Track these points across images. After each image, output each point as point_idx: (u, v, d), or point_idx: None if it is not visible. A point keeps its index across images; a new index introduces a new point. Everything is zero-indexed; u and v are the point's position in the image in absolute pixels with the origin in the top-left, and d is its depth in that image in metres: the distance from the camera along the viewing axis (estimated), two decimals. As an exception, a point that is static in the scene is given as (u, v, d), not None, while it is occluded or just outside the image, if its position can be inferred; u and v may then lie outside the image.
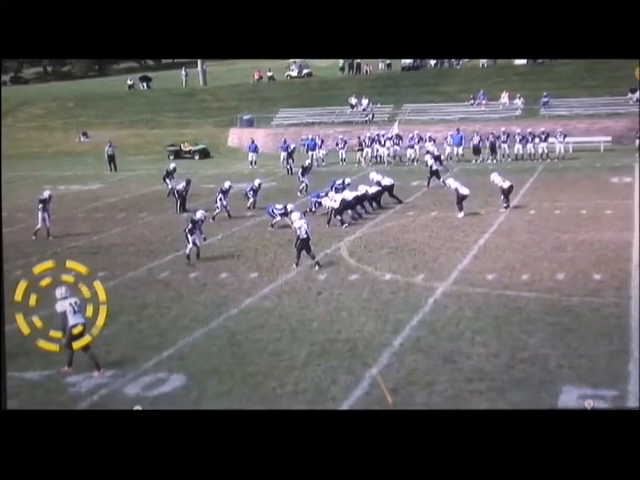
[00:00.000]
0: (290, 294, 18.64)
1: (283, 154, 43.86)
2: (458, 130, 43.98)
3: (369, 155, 44.20)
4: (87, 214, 31.40)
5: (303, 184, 33.78)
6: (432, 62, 65.71)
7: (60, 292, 14.76)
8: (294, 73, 69.26)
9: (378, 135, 44.95)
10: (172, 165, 36.36)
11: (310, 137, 45.91)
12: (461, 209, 26.88)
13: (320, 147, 44.89)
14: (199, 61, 68.25)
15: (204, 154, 51.08)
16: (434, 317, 16.51)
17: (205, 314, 17.41)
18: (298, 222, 21.27)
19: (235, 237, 25.56)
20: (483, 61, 62.42)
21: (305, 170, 34.48)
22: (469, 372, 13.52)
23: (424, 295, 18.03)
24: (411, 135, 43.81)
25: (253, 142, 45.60)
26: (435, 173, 34.13)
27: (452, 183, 27.77)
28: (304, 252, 20.89)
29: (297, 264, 20.88)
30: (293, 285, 19.41)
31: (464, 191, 27.09)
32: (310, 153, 44.38)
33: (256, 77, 67.84)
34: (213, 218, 27.25)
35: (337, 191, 27.86)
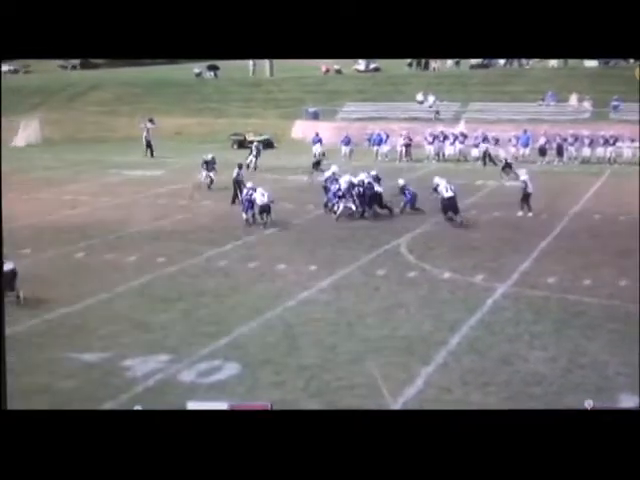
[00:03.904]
0: (348, 288, 18.60)
1: (344, 148, 44.05)
2: (525, 131, 43.59)
3: (432, 152, 44.01)
4: (150, 200, 31.66)
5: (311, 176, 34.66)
6: (501, 61, 65.09)
7: None
8: (361, 67, 69.07)
9: (443, 132, 44.78)
10: (210, 155, 34.84)
11: (377, 132, 45.79)
12: (522, 207, 26.71)
13: (385, 142, 44.74)
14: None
15: (268, 145, 51.15)
16: (492, 318, 16.35)
17: (262, 304, 17.44)
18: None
19: (296, 229, 25.59)
20: (553, 62, 61.63)
21: (315, 165, 35.05)
22: (526, 375, 13.38)
23: (483, 295, 17.87)
24: (476, 134, 43.53)
25: (317, 135, 45.54)
26: (508, 165, 34.25)
27: (523, 175, 27.48)
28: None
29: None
30: (351, 279, 19.37)
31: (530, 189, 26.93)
32: (375, 148, 44.40)
33: (323, 70, 67.80)
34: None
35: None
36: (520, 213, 26.78)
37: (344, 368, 13.75)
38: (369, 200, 27.06)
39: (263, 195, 26.07)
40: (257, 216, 26.05)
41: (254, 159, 37.63)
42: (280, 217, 26.90)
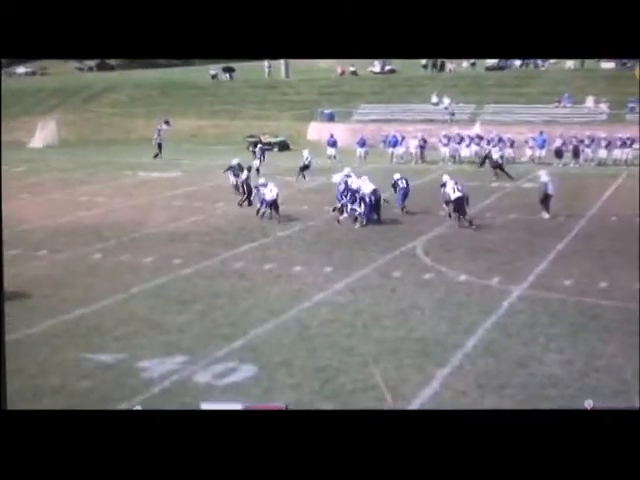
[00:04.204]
0: (364, 290, 18.58)
1: (359, 150, 44.07)
2: (541, 132, 43.51)
3: (447, 154, 43.98)
4: (166, 201, 31.71)
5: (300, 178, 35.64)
6: (517, 63, 64.95)
7: None
8: (377, 69, 69.02)
9: (459, 134, 44.78)
10: (235, 160, 33.72)
11: (392, 134, 45.74)
12: (543, 209, 26.57)
13: (400, 144, 44.69)
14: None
15: (283, 146, 51.15)
16: (508, 320, 16.30)
17: (278, 306, 17.44)
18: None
19: (311, 230, 25.59)
20: (569, 63, 61.53)
21: (304, 168, 35.29)
22: (542, 378, 13.33)
23: (499, 298, 17.83)
24: (491, 136, 43.50)
25: (332, 137, 45.63)
26: (499, 166, 36.61)
27: (544, 177, 27.30)
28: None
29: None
30: (367, 281, 19.35)
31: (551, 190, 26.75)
32: (390, 150, 44.37)
33: (339, 72, 67.82)
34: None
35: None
36: (545, 215, 26.55)
37: (360, 370, 13.72)
38: (376, 206, 26.88)
39: (271, 191, 27.24)
40: (267, 211, 27.15)
41: (258, 162, 37.53)
42: (295, 219, 26.93)
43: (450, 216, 26.08)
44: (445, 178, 26.90)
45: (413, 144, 44.29)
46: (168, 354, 14.61)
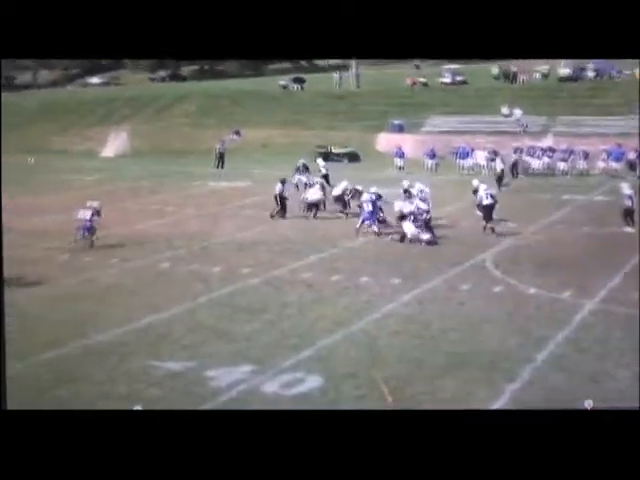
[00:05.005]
0: (432, 302, 18.43)
1: (429, 161, 43.86)
2: (619, 145, 42.75)
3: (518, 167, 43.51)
4: (234, 211, 31.89)
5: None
6: (590, 74, 64.03)
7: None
8: (447, 80, 68.70)
9: (533, 147, 44.31)
10: (297, 177, 34.15)
11: (462, 146, 45.41)
12: (627, 222, 26.11)
13: (470, 156, 44.31)
14: (353, 63, 68.84)
15: (353, 157, 50.95)
16: (580, 335, 16.03)
17: (345, 317, 17.39)
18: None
19: (377, 243, 25.49)
20: (644, 73, 60.60)
21: (325, 178, 35.26)
22: (614, 394, 13.04)
23: (570, 312, 17.53)
24: (564, 147, 42.98)
25: (400, 148, 45.57)
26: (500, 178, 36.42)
27: (627, 189, 26.88)
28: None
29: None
30: (435, 293, 19.20)
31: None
32: (461, 162, 44.02)
33: (409, 83, 67.71)
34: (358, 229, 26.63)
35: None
36: (629, 229, 26.05)
37: (428, 382, 13.59)
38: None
39: (314, 193, 29.29)
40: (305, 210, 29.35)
41: (305, 179, 34.10)
42: (362, 229, 26.85)
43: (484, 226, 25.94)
44: (475, 184, 26.96)
45: (482, 156, 43.82)
46: (236, 363, 14.64)
